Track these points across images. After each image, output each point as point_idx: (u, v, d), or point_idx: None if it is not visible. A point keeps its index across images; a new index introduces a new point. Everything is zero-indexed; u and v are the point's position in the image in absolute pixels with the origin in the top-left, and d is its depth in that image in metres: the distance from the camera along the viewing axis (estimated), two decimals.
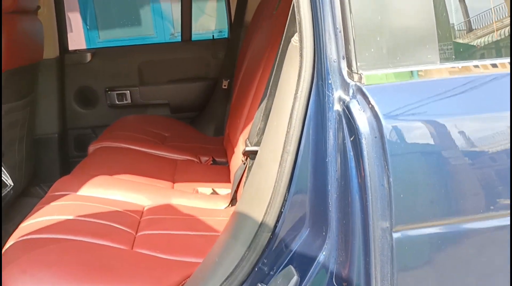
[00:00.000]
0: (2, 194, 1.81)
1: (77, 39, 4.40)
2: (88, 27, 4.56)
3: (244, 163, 1.39)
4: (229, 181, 1.67)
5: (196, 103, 2.57)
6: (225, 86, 2.47)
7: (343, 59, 0.75)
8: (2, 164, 1.85)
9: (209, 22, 4.59)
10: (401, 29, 0.76)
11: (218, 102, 2.50)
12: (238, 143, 1.62)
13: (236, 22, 2.50)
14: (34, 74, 2.25)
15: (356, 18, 0.74)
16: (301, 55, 0.78)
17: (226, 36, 2.74)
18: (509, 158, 0.73)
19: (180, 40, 2.68)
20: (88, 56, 2.52)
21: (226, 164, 1.88)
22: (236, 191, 1.45)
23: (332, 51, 0.75)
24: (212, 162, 1.97)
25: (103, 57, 2.58)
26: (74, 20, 4.41)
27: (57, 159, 2.44)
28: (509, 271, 0.75)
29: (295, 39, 0.85)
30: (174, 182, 1.65)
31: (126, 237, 1.18)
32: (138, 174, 1.61)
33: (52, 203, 1.32)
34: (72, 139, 2.54)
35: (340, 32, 0.75)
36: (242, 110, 1.73)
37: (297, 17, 0.79)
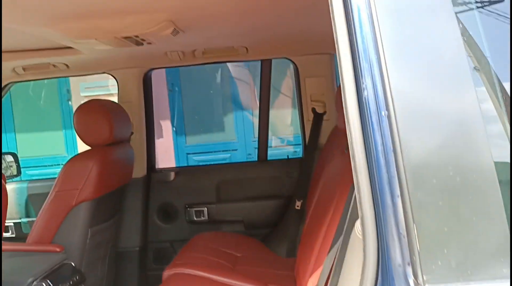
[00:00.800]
0: None
1: (166, 145, 4.80)
2: (176, 132, 4.98)
3: None
4: None
5: (269, 220, 2.61)
6: (298, 206, 2.48)
7: (409, 265, 0.72)
8: None
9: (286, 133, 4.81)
10: (471, 242, 0.72)
11: (290, 221, 2.50)
12: None
13: (311, 143, 2.57)
14: (122, 194, 2.46)
15: (420, 228, 0.72)
16: (364, 254, 0.76)
17: (300, 156, 2.81)
18: None
19: (256, 159, 2.83)
20: (172, 175, 2.71)
21: None
22: None
23: (396, 254, 0.73)
24: None
25: (186, 175, 2.76)
26: (165, 126, 4.85)
27: (136, 272, 2.56)
28: None
29: (358, 228, 0.84)
30: None
31: None
32: None
33: None
34: (151, 252, 2.67)
35: (404, 237, 0.73)
36: (312, 251, 1.69)
37: (359, 209, 0.79)
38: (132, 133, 2.47)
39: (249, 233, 2.60)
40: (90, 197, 2.03)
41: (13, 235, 2.79)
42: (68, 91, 5.03)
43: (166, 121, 4.87)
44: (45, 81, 4.82)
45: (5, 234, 2.76)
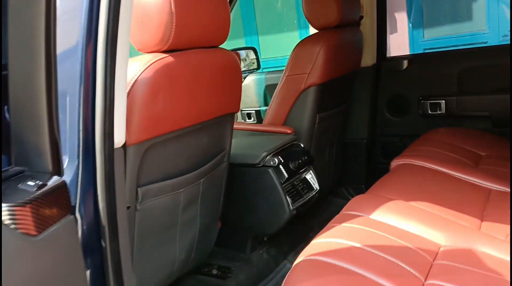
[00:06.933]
0: (308, 197, 1.95)
1: (400, 39, 4.38)
2: (412, 25, 4.46)
3: None
4: None
5: None
6: None
7: None
8: (312, 169, 2.02)
9: None
10: None
11: None
12: None
13: None
14: (350, 82, 2.40)
15: None
16: None
17: None
18: None
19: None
20: (405, 63, 2.49)
21: None
22: None
23: None
24: None
25: (420, 63, 2.52)
26: (400, 19, 4.40)
27: (363, 164, 2.55)
28: None
29: None
30: (482, 220, 1.40)
31: (413, 283, 1.08)
32: (439, 204, 1.44)
33: (344, 224, 1.32)
34: (379, 146, 2.60)
35: None
36: None
37: None
38: (362, 17, 2.37)
39: (498, 131, 2.28)
40: (318, 81, 2.05)
41: (255, 121, 3.10)
42: None
43: (400, 11, 4.36)
44: None
45: (248, 121, 3.14)
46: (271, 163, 1.82)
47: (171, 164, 1.38)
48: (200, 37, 1.31)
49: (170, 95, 1.24)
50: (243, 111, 3.18)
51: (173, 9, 1.18)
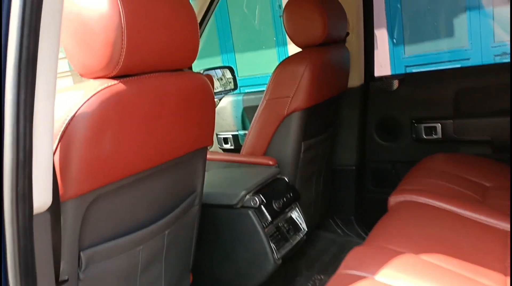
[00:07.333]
0: (295, 241, 1.75)
1: (381, 56, 4.30)
2: (394, 42, 4.37)
3: None
4: None
5: None
6: None
7: None
8: (298, 206, 1.81)
9: None
10: None
11: None
12: None
13: None
14: (337, 105, 2.19)
15: None
16: None
17: None
18: None
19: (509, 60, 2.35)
20: (395, 83, 2.28)
21: None
22: None
23: None
24: None
25: (412, 83, 2.30)
26: (380, 37, 4.33)
27: (352, 193, 2.33)
28: None
29: None
30: (506, 275, 1.16)
31: None
32: (455, 256, 1.21)
33: None
34: (369, 173, 2.38)
35: None
36: None
37: None
38: (348, 33, 2.18)
39: (499, 157, 2.06)
40: (303, 106, 1.81)
41: (232, 147, 2.86)
42: (280, 6, 4.79)
43: (380, 29, 4.24)
44: None
45: (224, 146, 2.89)
46: (252, 203, 1.56)
47: (126, 217, 1.10)
48: (160, 59, 1.05)
49: (121, 132, 0.97)
50: (219, 136, 2.94)
51: (124, 23, 0.92)
